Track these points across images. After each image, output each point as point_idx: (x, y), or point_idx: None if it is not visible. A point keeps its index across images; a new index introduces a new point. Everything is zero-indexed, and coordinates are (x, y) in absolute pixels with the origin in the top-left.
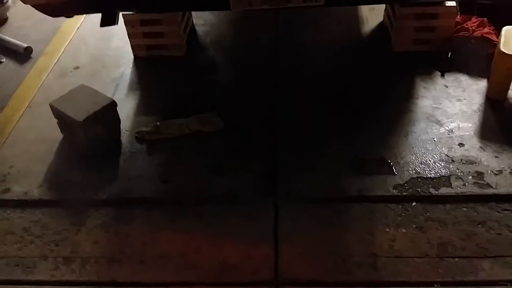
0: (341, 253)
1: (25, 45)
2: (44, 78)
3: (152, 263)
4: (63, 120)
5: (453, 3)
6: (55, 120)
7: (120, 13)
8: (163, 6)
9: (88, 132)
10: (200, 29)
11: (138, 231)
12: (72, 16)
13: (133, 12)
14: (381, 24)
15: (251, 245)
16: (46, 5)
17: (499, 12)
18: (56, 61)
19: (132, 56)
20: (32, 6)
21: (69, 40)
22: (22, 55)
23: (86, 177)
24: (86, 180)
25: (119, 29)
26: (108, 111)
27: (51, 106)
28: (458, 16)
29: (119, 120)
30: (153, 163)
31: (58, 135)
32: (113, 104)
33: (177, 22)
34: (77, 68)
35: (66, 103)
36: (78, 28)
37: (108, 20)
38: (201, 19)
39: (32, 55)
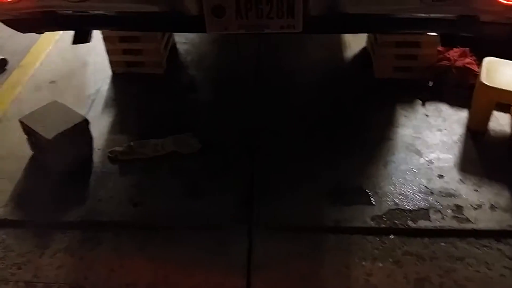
0: (316, 286)
1: (0, 57)
2: (18, 91)
3: None
4: (32, 137)
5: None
6: (25, 136)
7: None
8: (137, 26)
9: (58, 151)
10: (181, 47)
11: (105, 257)
12: (42, 33)
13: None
14: (364, 49)
15: (223, 275)
16: (15, 21)
17: (481, 42)
18: (31, 74)
19: (110, 72)
20: (0, 21)
21: (46, 53)
22: None
23: (53, 197)
24: (54, 200)
25: (98, 44)
26: (79, 130)
27: (21, 122)
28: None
29: (91, 138)
30: (124, 184)
31: (28, 152)
32: (85, 122)
33: (157, 40)
34: (52, 82)
35: (36, 120)
36: (56, 41)
37: (80, 38)
38: (183, 37)
39: (7, 67)
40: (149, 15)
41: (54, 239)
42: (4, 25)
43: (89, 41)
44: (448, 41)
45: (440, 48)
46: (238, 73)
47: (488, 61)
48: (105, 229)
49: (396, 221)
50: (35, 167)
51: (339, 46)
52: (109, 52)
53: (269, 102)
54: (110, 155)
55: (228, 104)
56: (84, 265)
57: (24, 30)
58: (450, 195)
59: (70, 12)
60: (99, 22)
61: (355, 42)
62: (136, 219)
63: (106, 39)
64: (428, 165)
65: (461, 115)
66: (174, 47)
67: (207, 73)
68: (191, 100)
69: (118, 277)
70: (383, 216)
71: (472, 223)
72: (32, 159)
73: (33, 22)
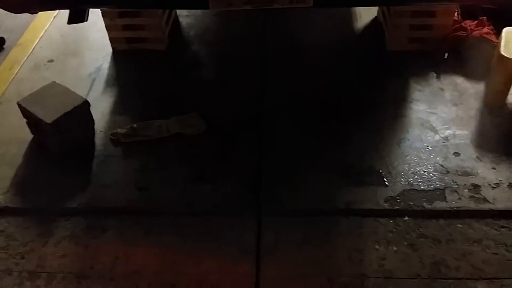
0: (327, 273)
1: None
2: (17, 71)
3: (123, 281)
4: (32, 120)
5: None
6: (25, 119)
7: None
8: (137, 4)
9: (58, 134)
10: (184, 20)
11: (110, 244)
12: (37, 12)
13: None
14: (374, 20)
15: (232, 262)
16: (7, 1)
17: (499, 11)
18: (29, 53)
19: (110, 50)
20: None
21: (44, 30)
22: None
23: (55, 183)
24: (56, 186)
25: (99, 19)
26: (80, 112)
27: (19, 105)
28: (456, 14)
29: (93, 121)
30: (128, 168)
31: (28, 135)
32: (85, 104)
33: (158, 14)
34: (51, 61)
35: (35, 103)
36: (54, 17)
37: (76, 17)
38: (185, 10)
39: (4, 46)
40: None
41: (57, 226)
42: None
43: (85, 20)
44: (469, 13)
45: (456, 17)
46: (244, 48)
47: (507, 31)
48: (110, 216)
49: (411, 203)
50: (36, 151)
51: (349, 18)
52: (108, 28)
53: (276, 78)
54: (112, 137)
55: (233, 81)
56: (88, 253)
57: (16, 11)
58: (466, 173)
59: None
60: (95, 0)
61: (365, 13)
62: (141, 205)
63: (104, 14)
64: (443, 142)
65: (478, 89)
66: (176, 21)
67: (211, 49)
68: (195, 77)
69: (124, 265)
70: (397, 197)
71: (490, 203)
72: (33, 142)
73: (26, 2)
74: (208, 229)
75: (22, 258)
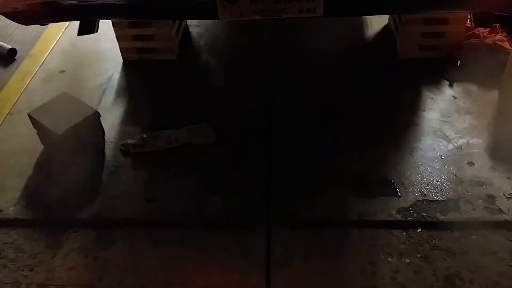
0: (339, 286)
1: (9, 47)
2: (28, 82)
3: None
4: (42, 131)
5: None
6: (35, 130)
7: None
8: (147, 15)
9: (69, 145)
10: (194, 30)
11: (119, 256)
12: (47, 24)
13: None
14: (385, 27)
15: (241, 275)
16: (16, 13)
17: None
18: (41, 64)
19: (121, 60)
20: (1, 14)
21: (56, 41)
22: (6, 57)
23: (65, 194)
24: (66, 197)
25: (109, 30)
26: (90, 123)
27: (30, 117)
28: (469, 21)
29: (103, 131)
30: (138, 179)
31: (39, 145)
32: (96, 115)
33: (168, 24)
34: (62, 71)
35: (45, 114)
36: (66, 28)
37: (86, 28)
38: (195, 20)
39: (16, 57)
40: (158, 2)
41: (66, 238)
42: (6, 18)
43: (96, 31)
44: (482, 21)
45: (468, 24)
46: (253, 57)
47: None
48: (119, 227)
49: (424, 214)
50: (47, 162)
51: (360, 25)
52: (118, 38)
53: (286, 87)
54: (122, 148)
55: (243, 90)
56: (97, 265)
57: (26, 23)
58: (481, 184)
59: (74, 1)
60: (105, 12)
61: (376, 20)
62: (151, 216)
63: (115, 25)
64: (457, 151)
65: (492, 96)
66: (186, 31)
67: (221, 58)
68: (205, 87)
69: (133, 277)
70: (410, 208)
71: (505, 213)
72: (43, 153)
73: (35, 14)
74: (217, 240)
75: (31, 270)
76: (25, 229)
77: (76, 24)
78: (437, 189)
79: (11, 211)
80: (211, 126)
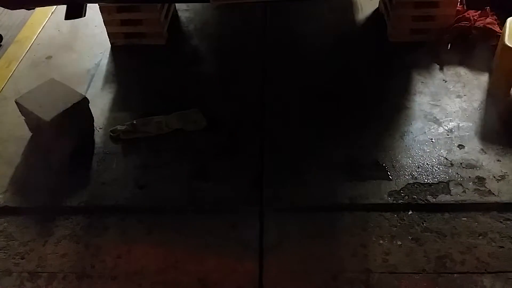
0: (332, 268)
1: None
2: (14, 68)
3: (125, 280)
4: (30, 118)
5: None
6: (23, 117)
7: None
8: None
9: (57, 132)
10: (183, 15)
11: (111, 243)
12: (33, 8)
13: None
14: (376, 11)
15: (234, 260)
16: None
17: (503, 1)
18: (27, 50)
19: (109, 45)
20: None
21: (42, 27)
22: None
23: (55, 181)
24: (55, 184)
25: (97, 14)
26: (79, 109)
27: (17, 103)
28: (459, 4)
29: (92, 118)
30: (128, 165)
31: (27, 133)
32: (84, 101)
33: (157, 9)
34: (49, 57)
35: (33, 100)
36: (52, 13)
37: (73, 12)
38: (184, 4)
39: (2, 44)
40: None
41: (57, 225)
42: None
43: (83, 16)
44: (474, 3)
45: (459, 7)
46: (244, 42)
47: (511, 21)
48: (110, 214)
49: (415, 196)
50: (35, 150)
51: (351, 9)
52: (106, 23)
53: (278, 72)
54: (112, 134)
55: (234, 75)
56: (90, 252)
57: (12, 7)
58: (471, 166)
59: None
60: None
61: (367, 4)
62: (143, 202)
63: (102, 9)
64: (447, 134)
65: (482, 80)
66: (175, 16)
67: (211, 43)
68: (195, 72)
69: (126, 264)
70: (401, 191)
71: (495, 195)
72: (32, 140)
73: None
74: (210, 226)
75: (22, 258)
76: (15, 217)
77: (63, 8)
78: (427, 172)
79: (0, 198)
80: (202, 111)
